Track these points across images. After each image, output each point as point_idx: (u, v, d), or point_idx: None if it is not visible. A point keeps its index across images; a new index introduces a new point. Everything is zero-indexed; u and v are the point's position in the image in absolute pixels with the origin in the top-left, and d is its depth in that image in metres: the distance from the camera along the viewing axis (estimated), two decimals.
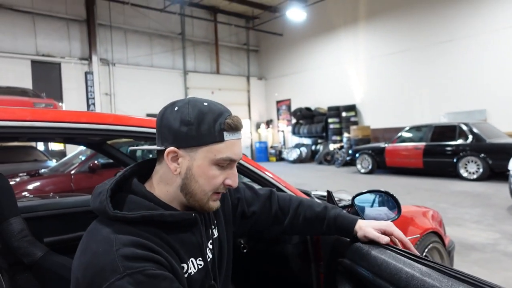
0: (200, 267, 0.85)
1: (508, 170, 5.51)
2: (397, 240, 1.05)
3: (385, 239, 1.02)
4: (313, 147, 15.15)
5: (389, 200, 1.52)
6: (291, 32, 16.63)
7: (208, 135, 0.78)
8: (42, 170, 5.66)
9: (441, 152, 8.73)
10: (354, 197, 1.43)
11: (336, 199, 2.58)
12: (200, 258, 0.86)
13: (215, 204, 0.85)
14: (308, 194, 1.95)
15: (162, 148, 0.80)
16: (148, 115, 14.39)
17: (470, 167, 8.16)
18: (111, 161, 5.37)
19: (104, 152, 2.19)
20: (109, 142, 2.30)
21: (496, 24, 10.28)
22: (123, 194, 0.82)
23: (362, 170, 10.39)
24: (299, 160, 14.80)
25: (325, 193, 2.81)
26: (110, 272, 0.66)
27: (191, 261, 0.84)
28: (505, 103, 10.06)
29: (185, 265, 0.81)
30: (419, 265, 0.86)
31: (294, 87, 17.10)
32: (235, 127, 0.80)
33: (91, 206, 0.82)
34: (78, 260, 0.73)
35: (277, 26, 16.82)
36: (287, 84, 17.52)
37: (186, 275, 0.81)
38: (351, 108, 14.03)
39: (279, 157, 16.69)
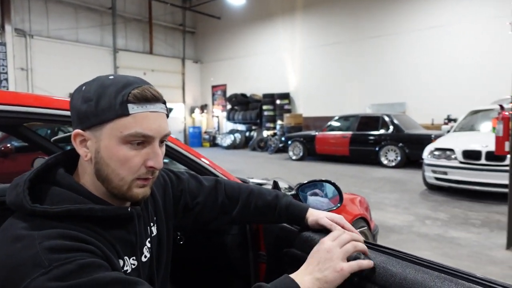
0: (133, 267, 0.78)
1: (422, 159, 6.11)
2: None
3: (337, 228, 1.03)
4: (247, 134, 15.30)
5: (331, 189, 1.57)
6: (229, 16, 16.41)
7: (108, 110, 0.68)
8: None
9: (365, 141, 9.36)
10: (299, 187, 1.44)
11: (270, 187, 2.60)
12: (134, 258, 0.79)
13: (140, 192, 0.74)
14: (245, 182, 1.94)
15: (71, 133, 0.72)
16: (71, 94, 13.32)
17: (390, 155, 8.88)
18: (26, 144, 4.85)
19: (20, 136, 1.94)
20: (26, 124, 2.05)
21: (418, 24, 11.21)
22: (45, 186, 0.71)
23: (294, 157, 10.75)
24: (233, 146, 14.85)
25: (261, 181, 2.84)
26: (32, 267, 0.56)
27: (125, 259, 0.76)
28: (421, 97, 11.08)
29: (121, 261, 0.74)
30: (377, 253, 0.89)
31: (230, 73, 16.99)
32: (144, 98, 0.69)
33: (6, 200, 0.71)
34: None
35: (215, 8, 16.46)
36: (223, 69, 17.34)
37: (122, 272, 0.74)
38: (285, 96, 14.37)
39: (213, 143, 16.58)
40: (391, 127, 8.99)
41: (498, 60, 9.66)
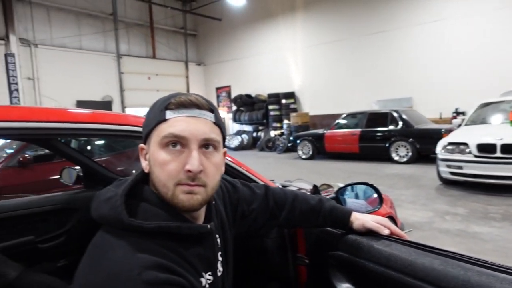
0: (209, 282, 0.78)
1: (436, 154, 6.07)
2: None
3: (386, 231, 1.04)
4: (255, 134, 15.29)
5: (362, 190, 1.57)
6: (230, 17, 16.41)
7: (153, 119, 0.74)
8: None
9: (374, 137, 9.33)
10: (338, 190, 1.44)
11: (295, 188, 2.59)
12: (210, 273, 0.79)
13: (185, 198, 0.71)
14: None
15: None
16: (78, 102, 13.37)
17: (401, 151, 8.84)
18: (43, 153, 4.87)
19: (53, 148, 1.95)
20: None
21: (422, 17, 11.15)
22: (135, 201, 0.73)
23: (303, 156, 10.74)
24: (241, 147, 14.85)
25: (285, 183, 2.84)
26: None
27: (203, 275, 0.77)
28: (428, 92, 11.02)
29: (203, 280, 0.75)
30: (434, 255, 0.88)
31: (234, 74, 16.99)
32: (180, 104, 0.72)
33: (94, 214, 0.72)
34: (85, 279, 0.64)
35: (215, 10, 16.47)
36: (227, 70, 17.35)
37: None
38: (290, 95, 14.35)
39: None
40: (400, 123, 8.95)
41: (503, 52, 9.62)
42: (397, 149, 8.89)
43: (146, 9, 16.19)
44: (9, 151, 4.86)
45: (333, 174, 7.70)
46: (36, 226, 1.76)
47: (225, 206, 1.00)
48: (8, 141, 5.04)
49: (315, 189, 1.64)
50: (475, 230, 3.88)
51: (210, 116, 0.76)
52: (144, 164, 0.76)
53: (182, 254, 0.71)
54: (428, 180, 6.52)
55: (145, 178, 0.79)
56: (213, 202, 0.90)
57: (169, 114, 0.72)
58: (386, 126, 9.19)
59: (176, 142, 0.71)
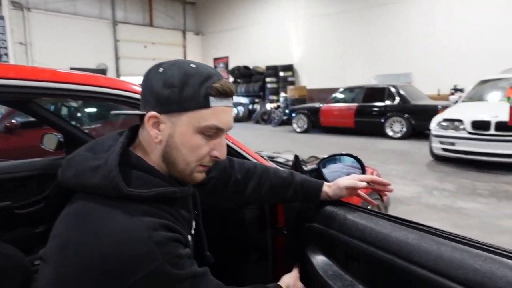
0: (190, 241, 0.81)
1: (429, 130, 6.05)
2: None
3: (361, 184, 1.05)
4: (250, 107, 15.16)
5: (350, 163, 1.54)
6: None
7: (192, 100, 0.71)
8: None
9: (370, 112, 9.28)
10: (320, 162, 1.41)
11: (283, 159, 2.57)
12: (188, 233, 0.82)
13: (200, 176, 0.78)
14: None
15: (144, 112, 0.73)
16: (72, 69, 13.10)
17: (395, 126, 8.81)
18: (31, 119, 4.83)
19: (30, 112, 1.91)
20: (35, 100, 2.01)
21: None
22: (125, 169, 0.70)
23: (298, 130, 10.71)
24: (236, 119, 14.73)
25: (273, 154, 2.81)
26: (147, 261, 0.62)
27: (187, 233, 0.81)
28: (428, 68, 10.86)
29: (189, 237, 0.80)
30: (408, 229, 0.86)
31: (232, 44, 16.66)
32: (224, 93, 0.72)
33: (72, 181, 0.70)
34: (83, 250, 0.62)
35: None
36: (225, 40, 16.99)
37: None
38: (289, 68, 14.15)
39: None
40: (397, 98, 8.87)
41: (504, 28, 9.42)
42: (392, 124, 8.86)
43: None
44: None
45: (326, 148, 7.70)
46: (14, 191, 1.74)
47: None
48: None
49: (296, 159, 1.62)
50: (461, 205, 3.92)
51: (233, 102, 0.78)
52: (153, 133, 0.73)
53: (175, 215, 0.75)
54: (420, 156, 6.53)
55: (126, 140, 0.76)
56: None
57: (213, 102, 0.72)
58: (383, 101, 9.12)
59: (214, 132, 0.74)
